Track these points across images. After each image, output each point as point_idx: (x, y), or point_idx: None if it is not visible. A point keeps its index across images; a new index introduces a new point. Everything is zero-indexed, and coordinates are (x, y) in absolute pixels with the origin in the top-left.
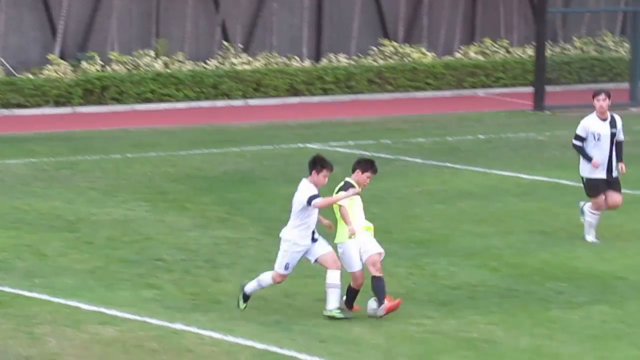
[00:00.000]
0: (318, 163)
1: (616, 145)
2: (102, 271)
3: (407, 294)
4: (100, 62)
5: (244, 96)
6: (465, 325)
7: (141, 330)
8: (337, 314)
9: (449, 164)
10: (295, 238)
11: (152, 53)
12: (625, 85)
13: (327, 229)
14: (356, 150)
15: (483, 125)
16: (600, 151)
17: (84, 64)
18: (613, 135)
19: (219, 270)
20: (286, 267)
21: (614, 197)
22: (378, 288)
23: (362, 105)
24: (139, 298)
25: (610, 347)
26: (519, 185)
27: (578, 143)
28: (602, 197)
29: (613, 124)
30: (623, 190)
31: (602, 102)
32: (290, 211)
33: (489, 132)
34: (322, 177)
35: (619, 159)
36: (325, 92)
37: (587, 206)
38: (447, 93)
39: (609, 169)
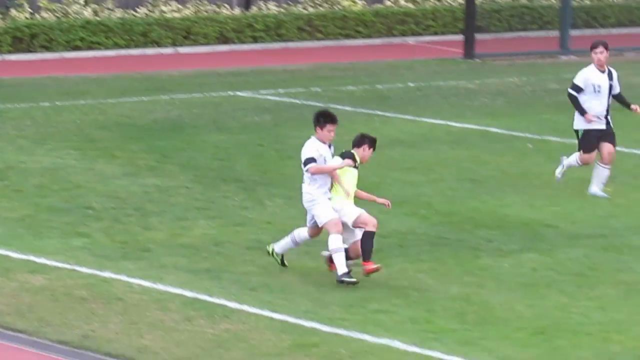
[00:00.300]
0: (320, 118)
1: (616, 97)
2: (32, 219)
3: None
4: (29, 10)
5: (174, 44)
6: (395, 273)
7: (70, 279)
8: (346, 278)
9: (379, 112)
10: (314, 193)
11: (82, 1)
12: (555, 33)
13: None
14: (286, 99)
15: (413, 73)
16: (600, 103)
17: (13, 12)
18: (611, 87)
19: (148, 219)
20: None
21: (609, 147)
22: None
23: (292, 53)
24: (69, 246)
25: (540, 295)
26: (449, 133)
27: (574, 93)
28: (594, 153)
29: (610, 76)
30: (552, 138)
31: (599, 54)
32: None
33: (419, 80)
34: (327, 132)
35: (627, 106)
36: (255, 40)
37: (574, 158)
38: (377, 41)
39: (607, 119)
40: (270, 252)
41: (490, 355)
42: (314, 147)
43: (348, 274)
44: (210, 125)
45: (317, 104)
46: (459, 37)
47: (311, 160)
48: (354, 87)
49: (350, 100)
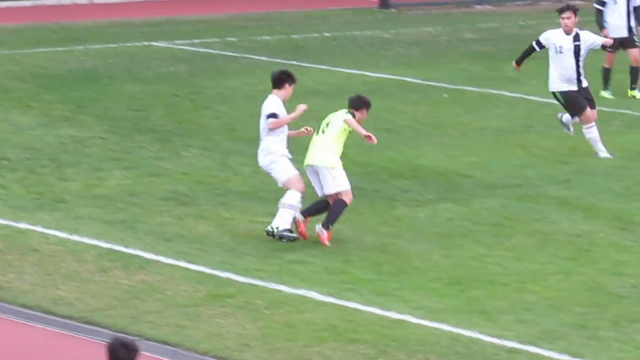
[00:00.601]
0: (288, 78)
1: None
2: None
3: (253, 193)
4: None
5: None
6: (311, 224)
7: None
8: (287, 234)
9: (294, 62)
10: (274, 148)
11: None
12: None
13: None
14: (201, 49)
15: (329, 23)
16: (561, 64)
17: None
18: (577, 48)
19: (64, 170)
20: None
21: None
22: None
23: (208, 3)
24: None
25: (456, 245)
26: (365, 83)
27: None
28: (588, 108)
29: (577, 38)
30: (468, 88)
31: (566, 20)
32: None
33: (335, 30)
34: (289, 91)
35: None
36: None
37: (571, 120)
38: None
39: (579, 81)
40: (273, 231)
41: (406, 306)
42: (279, 103)
43: (290, 230)
44: (125, 75)
45: (233, 54)
46: None
47: (273, 115)
48: (269, 37)
49: (265, 51)
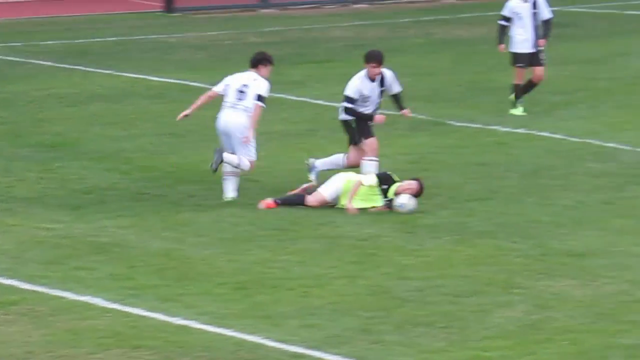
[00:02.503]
0: (268, 58)
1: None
2: None
3: (37, 199)
4: None
5: None
6: (96, 229)
7: None
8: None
9: (79, 67)
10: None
11: None
12: None
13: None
14: None
15: (113, 28)
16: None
17: None
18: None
19: None
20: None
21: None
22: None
23: None
24: None
25: (241, 250)
26: (149, 87)
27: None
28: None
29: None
30: None
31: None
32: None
33: (119, 35)
34: (270, 71)
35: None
36: None
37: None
38: None
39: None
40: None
41: (192, 311)
42: (269, 87)
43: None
44: None
45: (17, 59)
46: None
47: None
48: (54, 42)
49: (50, 55)
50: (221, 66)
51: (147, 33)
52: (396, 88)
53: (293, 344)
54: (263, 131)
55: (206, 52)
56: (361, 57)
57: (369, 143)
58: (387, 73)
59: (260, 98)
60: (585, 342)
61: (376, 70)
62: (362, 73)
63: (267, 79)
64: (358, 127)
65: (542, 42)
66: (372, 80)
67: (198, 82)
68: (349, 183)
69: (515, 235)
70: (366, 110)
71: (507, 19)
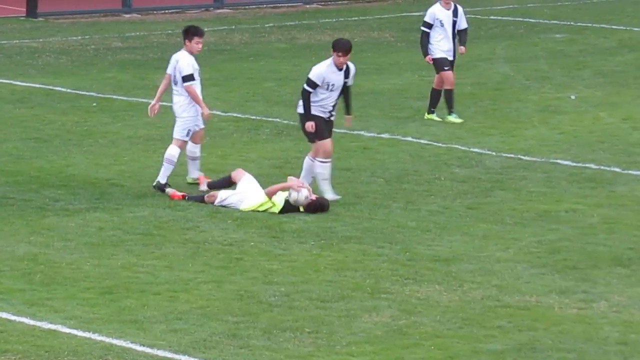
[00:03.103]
0: (190, 30)
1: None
2: None
3: None
4: None
5: None
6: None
7: None
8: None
9: None
10: (185, 103)
11: None
12: None
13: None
14: None
15: None
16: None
17: None
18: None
19: None
20: (187, 134)
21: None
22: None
23: None
24: None
25: (107, 254)
26: (13, 92)
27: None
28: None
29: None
30: (116, 97)
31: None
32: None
33: None
34: (195, 44)
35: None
36: None
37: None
38: None
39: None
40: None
41: (58, 316)
42: (190, 62)
43: (165, 185)
44: None
45: None
46: None
47: (190, 78)
48: None
49: None
50: (85, 71)
51: (10, 38)
52: (350, 83)
53: (160, 349)
54: (127, 135)
55: (69, 57)
56: (225, 62)
57: (323, 144)
58: (352, 67)
59: (185, 79)
60: (453, 347)
61: (342, 59)
62: (329, 61)
63: (191, 52)
64: (305, 119)
65: (462, 49)
66: (339, 69)
67: (62, 87)
68: (260, 206)
69: (382, 240)
70: (327, 99)
71: (429, 26)
